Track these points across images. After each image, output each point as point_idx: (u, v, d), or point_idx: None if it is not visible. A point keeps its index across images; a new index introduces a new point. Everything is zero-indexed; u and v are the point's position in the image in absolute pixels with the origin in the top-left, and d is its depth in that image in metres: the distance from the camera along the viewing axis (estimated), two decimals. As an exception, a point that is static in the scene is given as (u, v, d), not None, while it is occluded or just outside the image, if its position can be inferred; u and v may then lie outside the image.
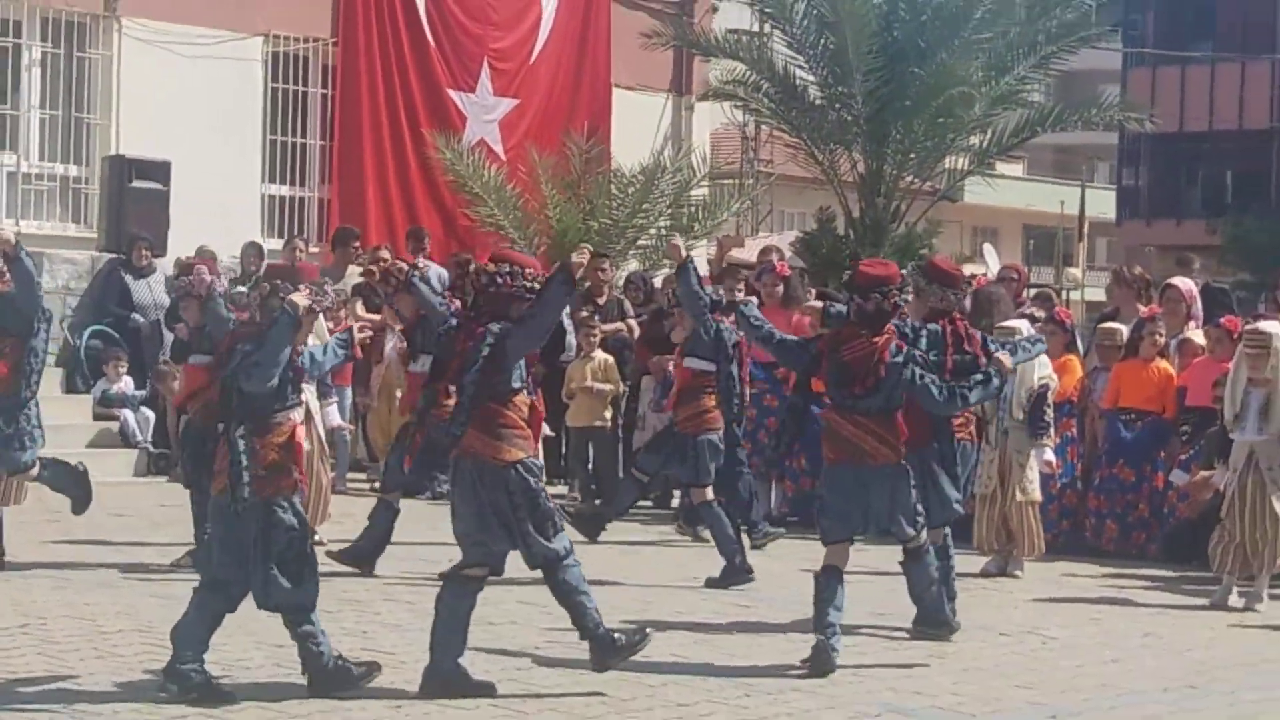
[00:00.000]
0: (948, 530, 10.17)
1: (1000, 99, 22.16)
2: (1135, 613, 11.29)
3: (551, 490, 14.83)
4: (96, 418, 17.37)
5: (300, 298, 8.05)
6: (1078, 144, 50.64)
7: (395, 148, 21.77)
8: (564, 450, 16.73)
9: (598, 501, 15.18)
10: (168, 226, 18.99)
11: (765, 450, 13.61)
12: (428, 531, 12.22)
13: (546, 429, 13.40)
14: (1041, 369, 12.25)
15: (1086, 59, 26.56)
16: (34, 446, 11.24)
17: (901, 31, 21.88)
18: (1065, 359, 13.58)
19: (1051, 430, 12.37)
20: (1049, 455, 12.38)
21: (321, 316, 13.09)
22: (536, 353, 9.01)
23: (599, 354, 15.77)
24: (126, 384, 17.48)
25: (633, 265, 21.24)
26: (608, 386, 15.64)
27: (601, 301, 17.05)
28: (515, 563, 8.40)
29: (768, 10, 23.05)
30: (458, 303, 15.75)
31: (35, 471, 11.34)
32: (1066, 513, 13.78)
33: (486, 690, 8.15)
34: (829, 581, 9.03)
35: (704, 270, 13.57)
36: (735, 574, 11.53)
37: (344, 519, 13.34)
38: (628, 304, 17.35)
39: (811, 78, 22.37)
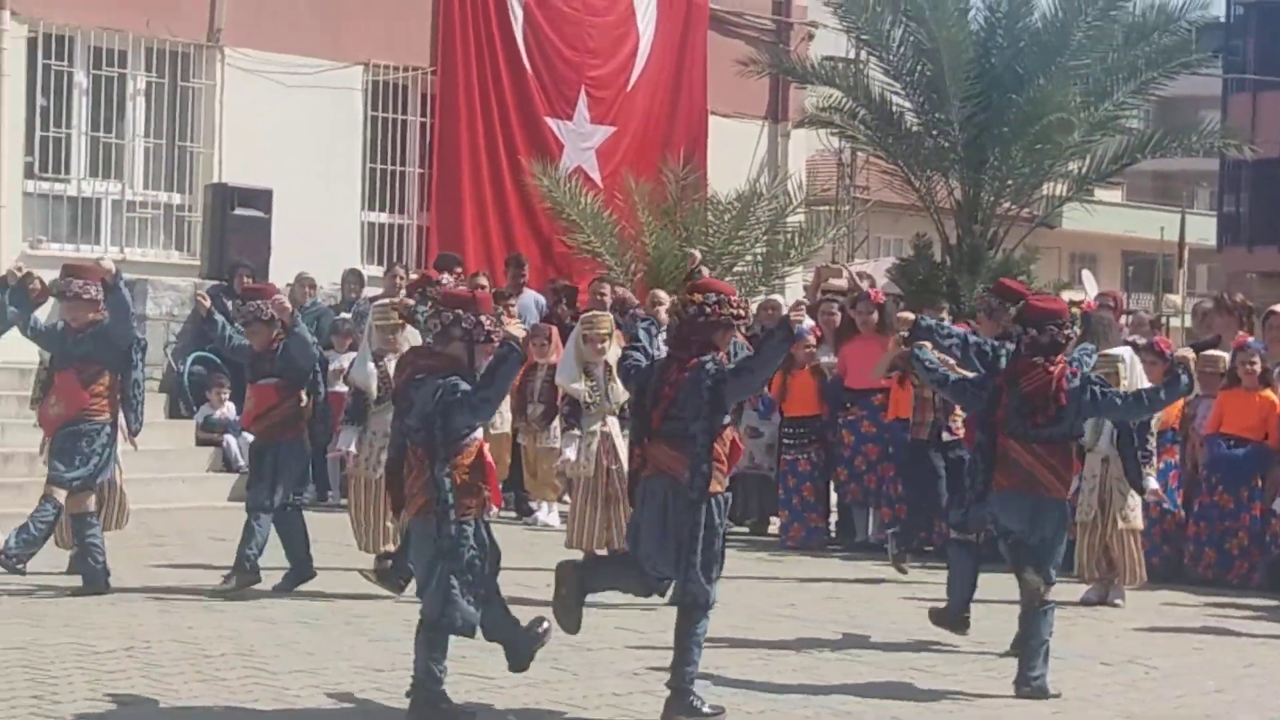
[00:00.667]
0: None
1: (1099, 125, 22.01)
2: (1238, 643, 11.18)
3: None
4: (199, 443, 17.56)
5: (517, 330, 8.16)
6: (1178, 170, 50.20)
7: (493, 175, 21.91)
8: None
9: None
10: (269, 254, 19.20)
11: (964, 492, 13.49)
12: (525, 557, 12.27)
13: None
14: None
15: (1186, 84, 26.37)
16: (104, 470, 11.45)
17: (999, 58, 21.79)
18: (1166, 386, 13.44)
19: (1154, 459, 12.28)
20: (1153, 484, 12.30)
21: (420, 340, 13.28)
22: None
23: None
24: (229, 409, 17.64)
25: (730, 292, 21.22)
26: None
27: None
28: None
29: (864, 37, 23.00)
30: (554, 328, 15.88)
31: (91, 504, 11.50)
32: (1167, 538, 13.67)
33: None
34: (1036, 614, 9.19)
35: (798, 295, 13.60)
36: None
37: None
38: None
39: (908, 104, 22.31)
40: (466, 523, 8.08)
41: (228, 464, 17.45)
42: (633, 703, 8.61)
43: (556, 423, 13.95)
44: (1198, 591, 13.11)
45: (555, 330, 16.06)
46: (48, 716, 7.93)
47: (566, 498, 13.80)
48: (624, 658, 9.66)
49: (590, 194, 21.56)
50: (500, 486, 9.14)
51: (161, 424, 17.06)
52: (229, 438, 17.48)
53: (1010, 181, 21.89)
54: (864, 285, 15.83)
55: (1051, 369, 9.21)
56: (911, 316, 10.87)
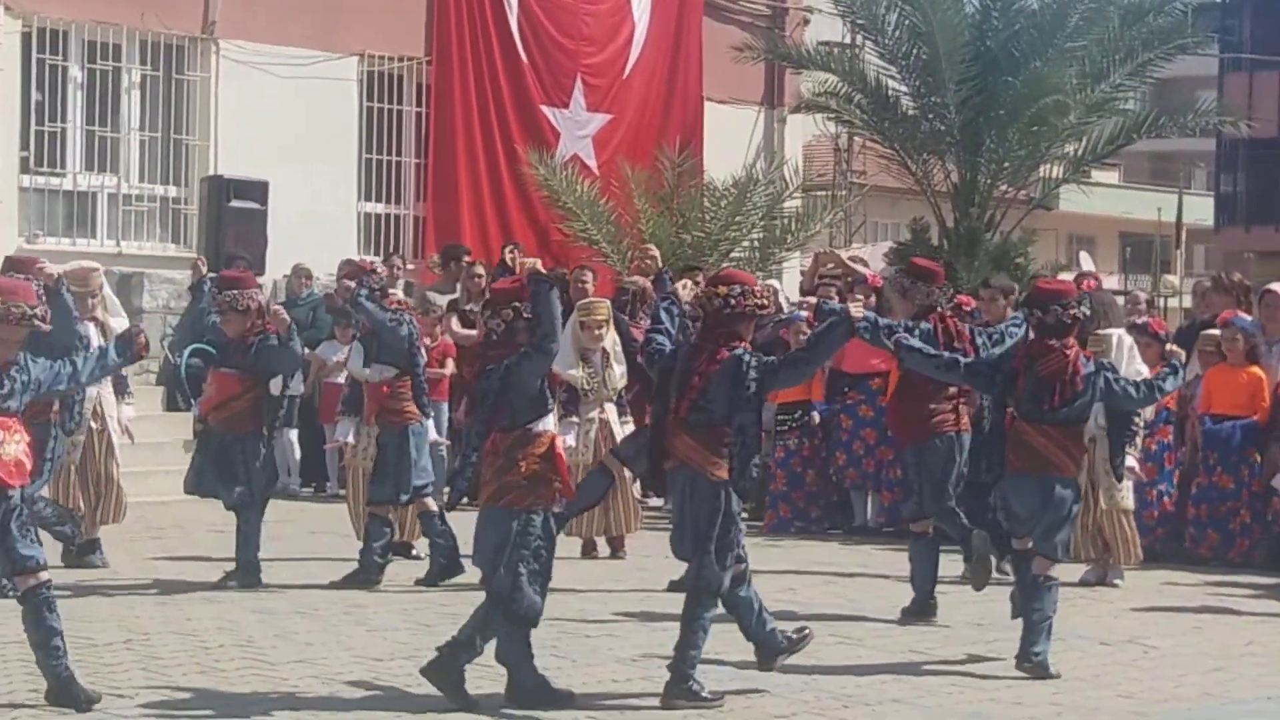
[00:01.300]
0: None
1: (1095, 106, 21.99)
2: (1238, 621, 11.19)
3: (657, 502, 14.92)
4: (197, 435, 17.51)
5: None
6: (1174, 150, 50.18)
7: (489, 164, 21.90)
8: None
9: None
10: (266, 245, 19.19)
11: (980, 474, 13.53)
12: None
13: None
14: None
15: (1182, 65, 26.29)
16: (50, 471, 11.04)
17: (994, 40, 21.77)
18: (1160, 368, 13.45)
19: (1137, 439, 12.22)
20: (1130, 461, 12.18)
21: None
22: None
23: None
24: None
25: (727, 278, 21.22)
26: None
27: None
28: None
29: (859, 22, 22.99)
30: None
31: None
32: (1164, 520, 13.67)
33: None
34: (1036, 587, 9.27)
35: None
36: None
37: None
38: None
39: (904, 88, 22.29)
40: (535, 512, 8.16)
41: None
42: (632, 689, 8.62)
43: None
44: (1197, 570, 13.12)
45: None
46: (47, 709, 7.93)
47: None
48: (623, 644, 9.67)
49: (587, 182, 21.55)
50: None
51: (159, 417, 17.05)
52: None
53: (1007, 164, 21.87)
54: (859, 269, 15.84)
55: (1068, 352, 9.28)
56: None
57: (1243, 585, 12.49)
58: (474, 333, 16.63)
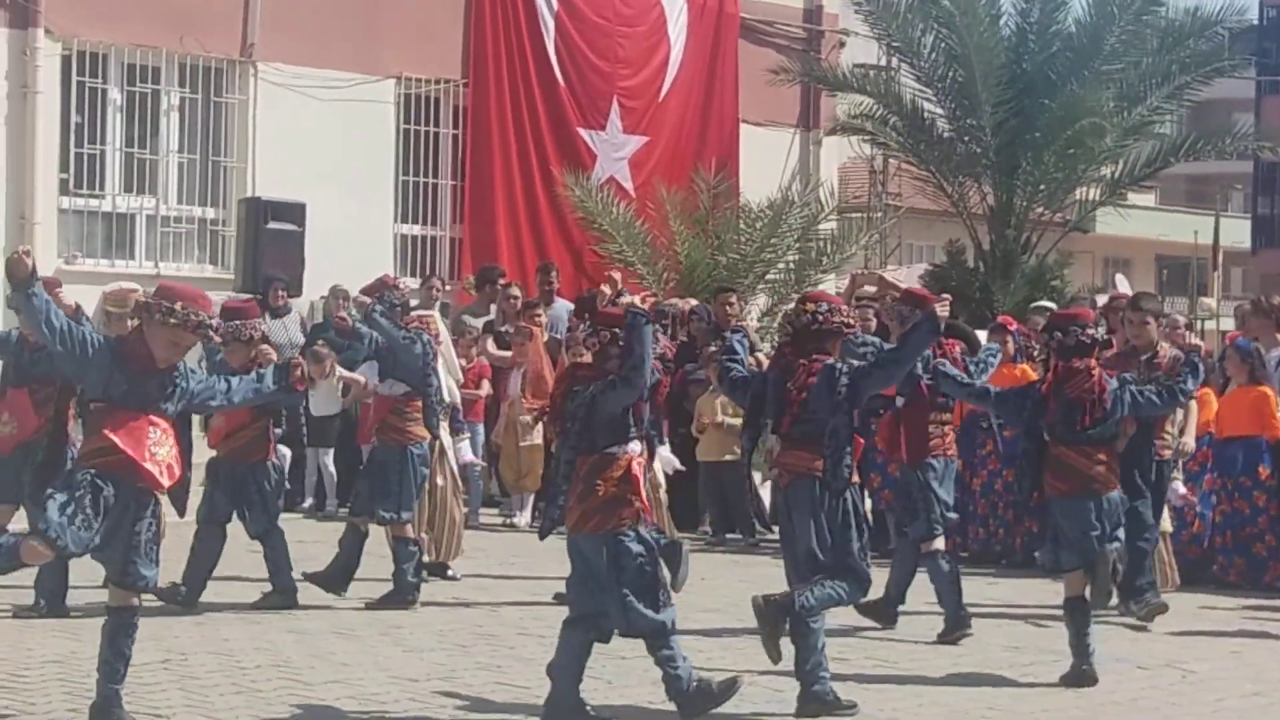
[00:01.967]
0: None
1: (1132, 130, 21.97)
2: (1276, 646, 11.13)
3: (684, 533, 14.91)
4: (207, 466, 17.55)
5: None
6: (1211, 173, 50.00)
7: (525, 186, 21.95)
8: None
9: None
10: (303, 267, 19.25)
11: (1015, 495, 13.64)
12: (559, 567, 12.27)
13: (676, 463, 13.50)
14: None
15: (1219, 87, 26.23)
16: None
17: (1030, 63, 21.77)
18: (1201, 391, 13.43)
19: (1180, 463, 12.24)
20: (1180, 488, 12.24)
21: (452, 349, 13.30)
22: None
23: (729, 389, 15.80)
24: (263, 423, 17.64)
25: (761, 300, 21.26)
26: (738, 421, 15.61)
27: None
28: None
29: (895, 44, 23.02)
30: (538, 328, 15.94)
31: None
32: (1196, 541, 13.60)
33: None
34: (1080, 610, 9.53)
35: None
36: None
37: (477, 554, 13.49)
38: (755, 338, 17.36)
39: (940, 111, 22.31)
40: (623, 533, 8.22)
41: (262, 476, 17.45)
42: (665, 711, 8.60)
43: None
44: (1234, 594, 13.05)
45: (538, 330, 16.20)
46: (85, 729, 7.97)
47: None
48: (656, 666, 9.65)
49: (623, 204, 21.59)
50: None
51: (197, 437, 16.98)
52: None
53: (1043, 186, 21.86)
54: (900, 285, 15.88)
55: (1093, 373, 9.63)
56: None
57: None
58: (509, 354, 16.68)
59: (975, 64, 21.16)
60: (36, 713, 8.29)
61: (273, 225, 19.35)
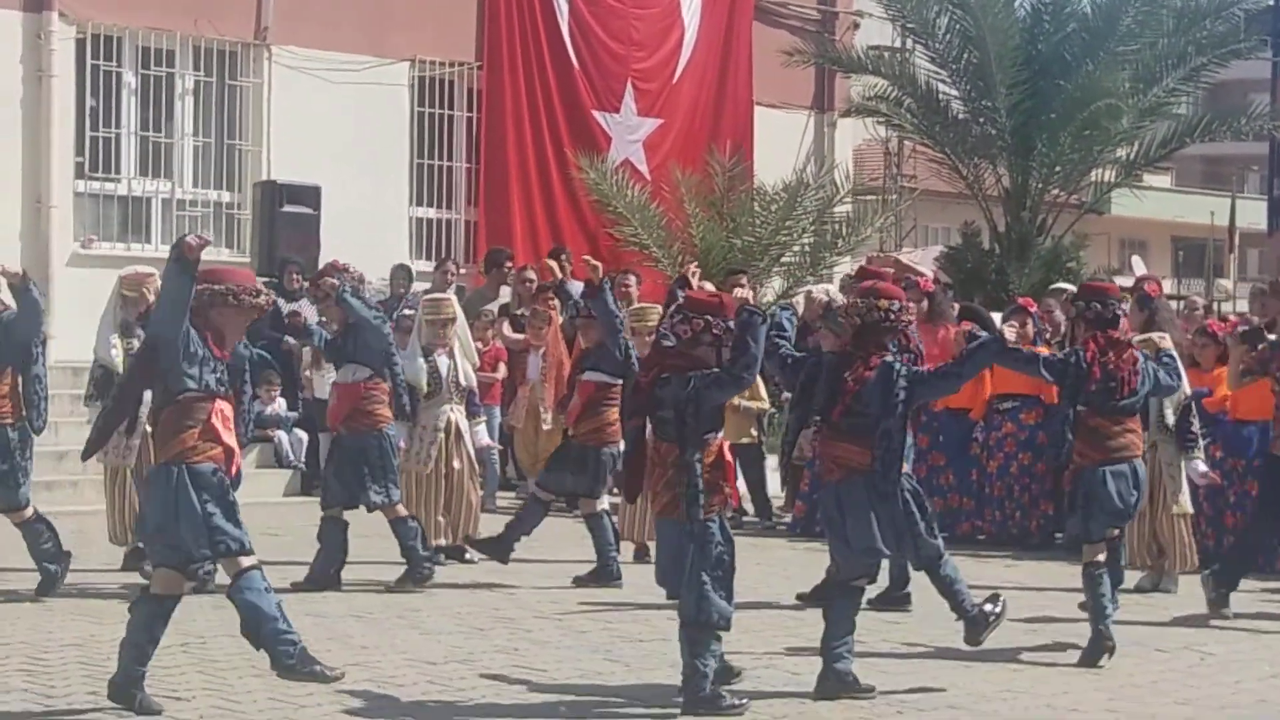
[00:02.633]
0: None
1: (1148, 111, 21.91)
2: (1294, 628, 11.12)
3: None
4: (251, 440, 17.60)
5: None
6: (1227, 154, 49.83)
7: (540, 169, 21.94)
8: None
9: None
10: (318, 250, 19.23)
11: (1049, 462, 13.86)
12: (576, 550, 12.29)
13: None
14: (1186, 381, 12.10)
15: (1235, 68, 26.14)
16: (28, 482, 11.05)
17: (1045, 45, 21.71)
18: (1219, 371, 13.41)
19: (1200, 442, 12.21)
20: (1202, 467, 12.23)
21: (468, 332, 13.30)
22: None
23: (746, 372, 15.77)
24: (280, 405, 17.72)
25: (776, 283, 21.24)
26: (754, 404, 15.63)
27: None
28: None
29: (910, 25, 22.96)
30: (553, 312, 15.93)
31: (30, 512, 11.05)
32: (1212, 523, 13.57)
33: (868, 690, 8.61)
34: (1098, 574, 9.70)
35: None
36: (606, 577, 11.91)
37: (494, 537, 13.47)
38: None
39: (955, 92, 22.26)
40: (712, 519, 8.25)
41: (279, 460, 17.53)
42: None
43: None
44: (1252, 576, 12.99)
45: (555, 314, 16.16)
46: (104, 712, 7.98)
47: (616, 490, 13.81)
48: (675, 650, 9.64)
49: (637, 186, 21.56)
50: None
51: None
52: (280, 433, 17.56)
53: (1058, 168, 21.82)
54: (918, 267, 15.86)
55: (1132, 347, 9.89)
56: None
57: (1299, 591, 12.40)
58: (524, 336, 16.68)
59: (990, 45, 21.11)
60: (56, 696, 8.32)
61: (288, 208, 19.37)
